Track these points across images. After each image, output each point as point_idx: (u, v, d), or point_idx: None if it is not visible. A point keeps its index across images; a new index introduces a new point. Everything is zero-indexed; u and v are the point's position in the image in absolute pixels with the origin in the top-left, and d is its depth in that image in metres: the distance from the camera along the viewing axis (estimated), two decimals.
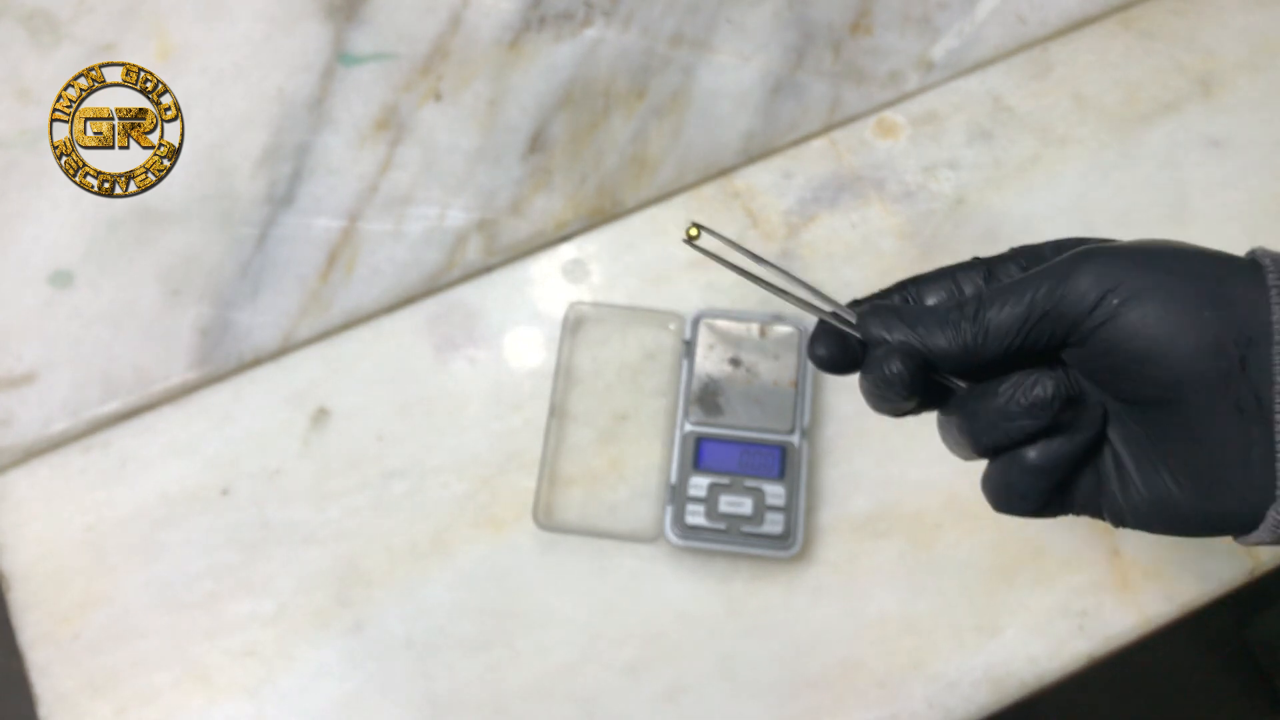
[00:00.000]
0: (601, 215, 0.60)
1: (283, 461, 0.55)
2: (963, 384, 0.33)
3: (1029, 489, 0.32)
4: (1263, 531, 0.29)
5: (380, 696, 0.51)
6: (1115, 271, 0.30)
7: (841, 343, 0.34)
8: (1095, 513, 0.33)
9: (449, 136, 0.61)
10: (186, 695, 0.52)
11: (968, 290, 0.34)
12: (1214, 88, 0.62)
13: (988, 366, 0.32)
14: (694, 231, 0.35)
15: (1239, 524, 0.30)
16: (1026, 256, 0.34)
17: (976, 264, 0.35)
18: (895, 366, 0.31)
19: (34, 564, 0.54)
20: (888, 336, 0.32)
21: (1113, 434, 0.32)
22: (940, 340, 0.32)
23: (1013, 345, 0.31)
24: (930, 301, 0.34)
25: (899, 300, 0.35)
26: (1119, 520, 0.32)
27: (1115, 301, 0.30)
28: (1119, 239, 0.32)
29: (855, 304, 0.35)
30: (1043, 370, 0.31)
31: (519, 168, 0.60)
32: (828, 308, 0.34)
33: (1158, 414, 0.31)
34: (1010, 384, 0.31)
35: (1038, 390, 0.30)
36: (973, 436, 0.32)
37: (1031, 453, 0.31)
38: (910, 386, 0.32)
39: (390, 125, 0.61)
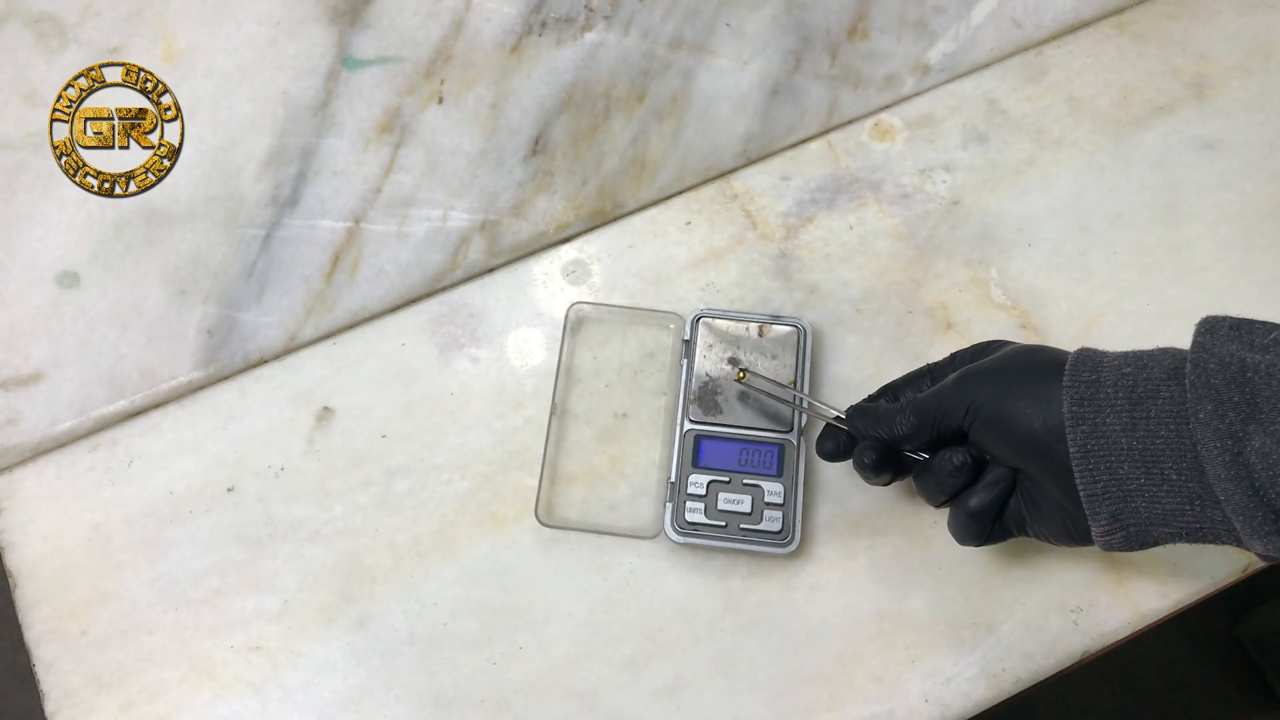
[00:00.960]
0: (602, 217, 0.60)
1: (287, 460, 0.56)
2: (923, 455, 0.47)
3: (972, 527, 0.46)
4: (1101, 546, 0.42)
5: (384, 692, 0.52)
6: (975, 390, 0.44)
7: (836, 441, 0.50)
8: (1025, 534, 0.46)
9: (451, 139, 0.61)
10: (192, 690, 0.52)
11: (913, 394, 0.49)
12: (1207, 90, 0.62)
13: (925, 447, 0.47)
14: (741, 375, 0.53)
15: (1094, 542, 0.42)
16: (957, 360, 0.49)
17: (925, 371, 0.50)
18: (868, 456, 0.47)
19: (41, 561, 0.54)
20: (863, 430, 0.48)
21: (1020, 485, 0.45)
22: (889, 432, 0.47)
23: (928, 438, 0.46)
24: (902, 399, 0.49)
25: (880, 402, 0.50)
26: (1042, 539, 0.46)
27: (975, 415, 0.44)
28: (1006, 347, 0.47)
29: (850, 409, 0.49)
30: (960, 446, 0.46)
31: (521, 170, 0.61)
32: (833, 414, 0.50)
33: (1027, 475, 0.45)
34: (939, 457, 0.46)
35: (953, 459, 0.45)
36: (927, 493, 0.47)
37: (972, 500, 0.45)
38: (878, 465, 0.47)
39: (393, 128, 0.61)
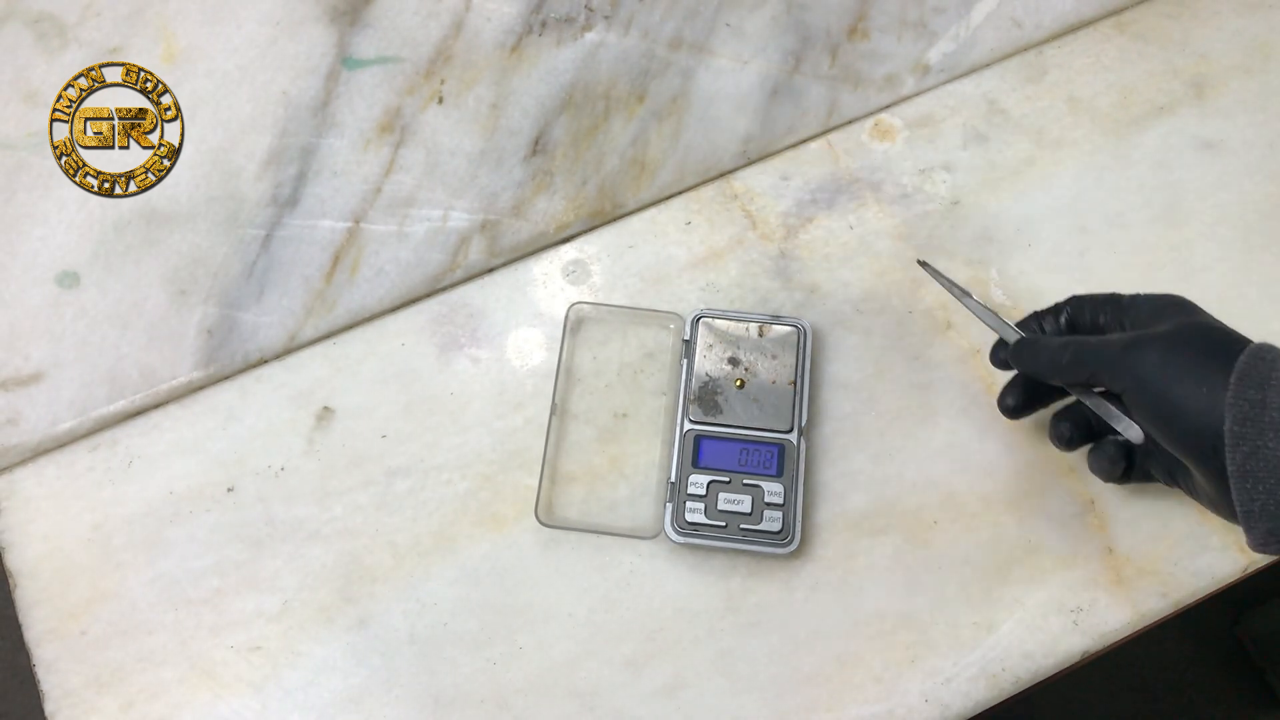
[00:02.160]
0: (602, 217, 0.60)
1: (288, 460, 0.56)
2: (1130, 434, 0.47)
3: (1115, 476, 0.50)
4: (1253, 549, 0.42)
5: (384, 692, 0.52)
6: (1141, 366, 0.44)
7: (1000, 359, 0.52)
8: (1173, 486, 0.48)
9: (452, 139, 0.61)
10: (192, 690, 0.52)
11: (1082, 334, 0.50)
12: (1207, 90, 0.62)
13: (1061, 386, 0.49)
14: (923, 263, 0.54)
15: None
16: (1139, 304, 0.48)
17: (1108, 299, 0.49)
18: (1011, 397, 0.52)
19: (41, 561, 0.54)
20: (1022, 361, 0.50)
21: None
22: (1043, 368, 0.48)
23: (1081, 384, 0.47)
24: (1072, 330, 0.50)
25: (1045, 335, 0.50)
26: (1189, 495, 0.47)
27: (1136, 394, 0.44)
28: (1184, 318, 0.45)
29: (1018, 342, 0.50)
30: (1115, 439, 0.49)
31: (521, 170, 0.61)
32: (1008, 332, 0.51)
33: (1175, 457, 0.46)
34: (1107, 443, 0.49)
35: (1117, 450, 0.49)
36: (1097, 471, 0.50)
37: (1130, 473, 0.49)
38: (1017, 406, 0.51)
39: (394, 128, 0.61)
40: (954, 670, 0.51)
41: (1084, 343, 0.46)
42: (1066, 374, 0.47)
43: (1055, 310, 0.51)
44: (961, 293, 0.53)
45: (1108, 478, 0.50)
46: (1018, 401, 0.51)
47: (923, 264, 0.54)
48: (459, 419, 0.57)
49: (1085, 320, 0.50)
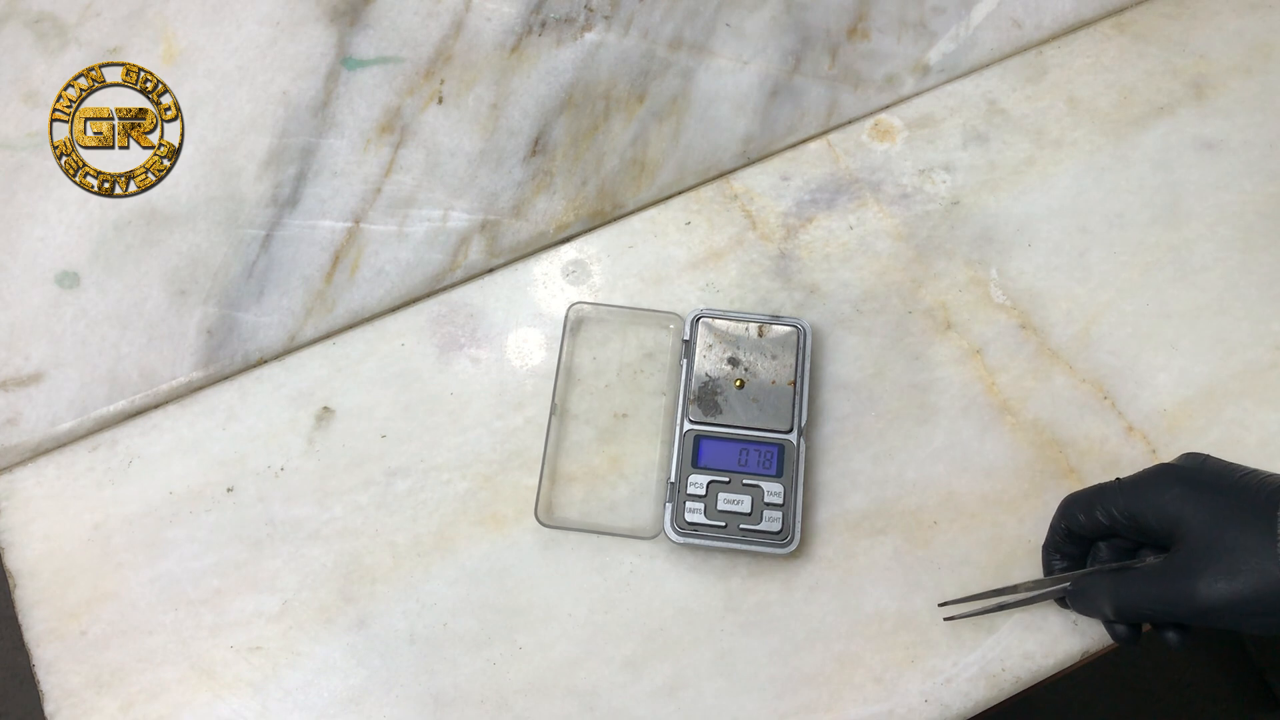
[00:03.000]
0: (602, 217, 0.60)
1: (287, 460, 0.56)
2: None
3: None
4: None
5: (384, 692, 0.52)
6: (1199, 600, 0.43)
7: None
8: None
9: (451, 139, 0.61)
10: (192, 690, 0.52)
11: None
12: (1207, 90, 0.62)
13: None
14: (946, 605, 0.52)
15: None
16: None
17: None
18: (1121, 631, 0.49)
19: (41, 561, 0.54)
20: (1082, 609, 0.49)
21: None
22: (1102, 613, 0.48)
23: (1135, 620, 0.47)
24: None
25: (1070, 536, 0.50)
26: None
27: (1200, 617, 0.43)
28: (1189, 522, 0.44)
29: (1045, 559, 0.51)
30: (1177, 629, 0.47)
31: (520, 170, 0.61)
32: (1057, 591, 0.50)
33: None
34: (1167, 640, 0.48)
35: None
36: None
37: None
38: (1128, 636, 0.49)
39: (394, 128, 0.61)
40: (954, 670, 0.51)
41: (1128, 591, 0.46)
42: (1130, 618, 0.46)
43: (1056, 532, 0.50)
44: (999, 597, 0.51)
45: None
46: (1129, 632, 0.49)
47: (949, 618, 0.52)
48: (459, 419, 0.57)
49: (1082, 524, 0.49)
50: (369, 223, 0.60)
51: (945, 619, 0.52)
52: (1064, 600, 0.51)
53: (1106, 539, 0.49)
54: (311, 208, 0.60)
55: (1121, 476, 0.48)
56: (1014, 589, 0.51)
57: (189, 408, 0.57)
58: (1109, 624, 0.49)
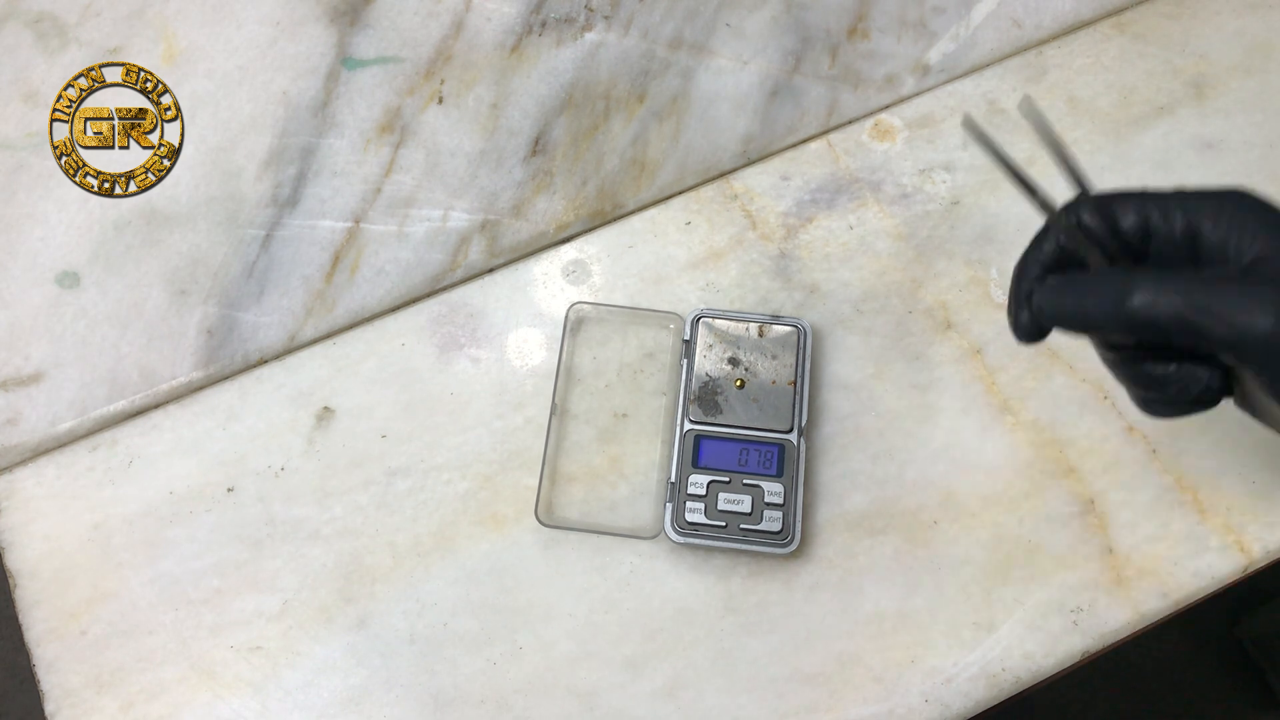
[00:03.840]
0: (602, 217, 0.60)
1: (288, 460, 0.56)
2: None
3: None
4: None
5: (384, 692, 0.52)
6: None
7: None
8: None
9: (451, 139, 0.61)
10: (192, 690, 0.52)
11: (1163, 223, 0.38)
12: (1207, 90, 0.62)
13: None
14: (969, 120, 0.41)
15: None
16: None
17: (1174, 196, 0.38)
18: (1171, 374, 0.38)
19: (41, 561, 0.54)
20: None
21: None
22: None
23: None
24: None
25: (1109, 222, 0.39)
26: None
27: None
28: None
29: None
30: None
31: (521, 170, 0.61)
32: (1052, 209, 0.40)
33: None
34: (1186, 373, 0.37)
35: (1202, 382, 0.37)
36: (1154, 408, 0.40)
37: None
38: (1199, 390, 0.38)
39: (394, 128, 0.61)
40: (954, 670, 0.51)
41: (1200, 289, 0.35)
42: (1165, 323, 0.35)
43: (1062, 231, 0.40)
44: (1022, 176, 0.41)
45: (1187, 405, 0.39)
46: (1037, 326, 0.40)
47: (968, 125, 0.41)
48: (459, 419, 0.57)
49: (1115, 219, 0.39)
50: (369, 223, 0.60)
51: (962, 124, 0.43)
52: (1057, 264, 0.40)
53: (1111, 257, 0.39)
54: (311, 208, 0.60)
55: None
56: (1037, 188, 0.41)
57: (189, 408, 0.57)
58: (1103, 339, 0.40)
